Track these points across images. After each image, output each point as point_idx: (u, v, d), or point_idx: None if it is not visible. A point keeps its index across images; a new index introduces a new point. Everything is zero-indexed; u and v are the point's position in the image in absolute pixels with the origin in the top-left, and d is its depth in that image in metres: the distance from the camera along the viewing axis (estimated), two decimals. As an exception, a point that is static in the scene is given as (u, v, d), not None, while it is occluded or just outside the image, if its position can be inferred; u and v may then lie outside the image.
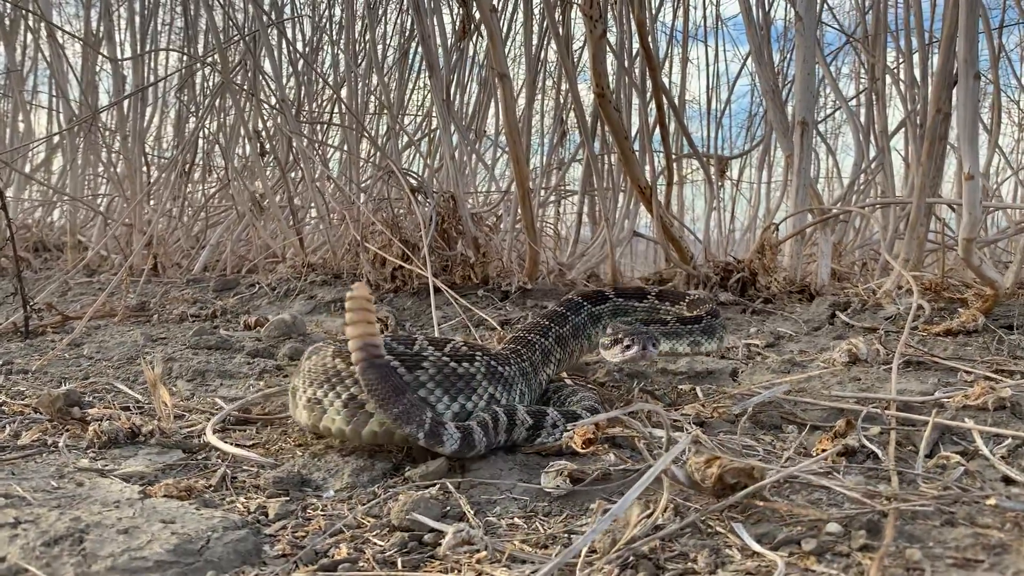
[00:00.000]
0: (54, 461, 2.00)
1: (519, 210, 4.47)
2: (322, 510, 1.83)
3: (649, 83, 4.43)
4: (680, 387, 2.86)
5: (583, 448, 2.06)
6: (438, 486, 1.93)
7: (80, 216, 7.27)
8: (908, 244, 3.97)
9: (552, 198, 7.70)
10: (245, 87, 5.19)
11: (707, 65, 7.56)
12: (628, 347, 2.42)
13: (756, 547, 1.57)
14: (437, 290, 4.12)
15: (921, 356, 3.09)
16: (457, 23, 4.16)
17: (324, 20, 6.57)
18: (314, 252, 5.28)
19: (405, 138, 6.58)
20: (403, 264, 3.97)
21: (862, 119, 6.23)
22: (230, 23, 6.08)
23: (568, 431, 2.13)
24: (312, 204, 5.17)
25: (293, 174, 5.76)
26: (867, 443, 2.15)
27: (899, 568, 1.47)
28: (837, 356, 3.04)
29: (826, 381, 2.87)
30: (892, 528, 1.59)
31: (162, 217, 5.58)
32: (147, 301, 4.66)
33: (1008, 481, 2.02)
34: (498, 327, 3.51)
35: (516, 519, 1.80)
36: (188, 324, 4.20)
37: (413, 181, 4.41)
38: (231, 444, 2.20)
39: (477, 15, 3.92)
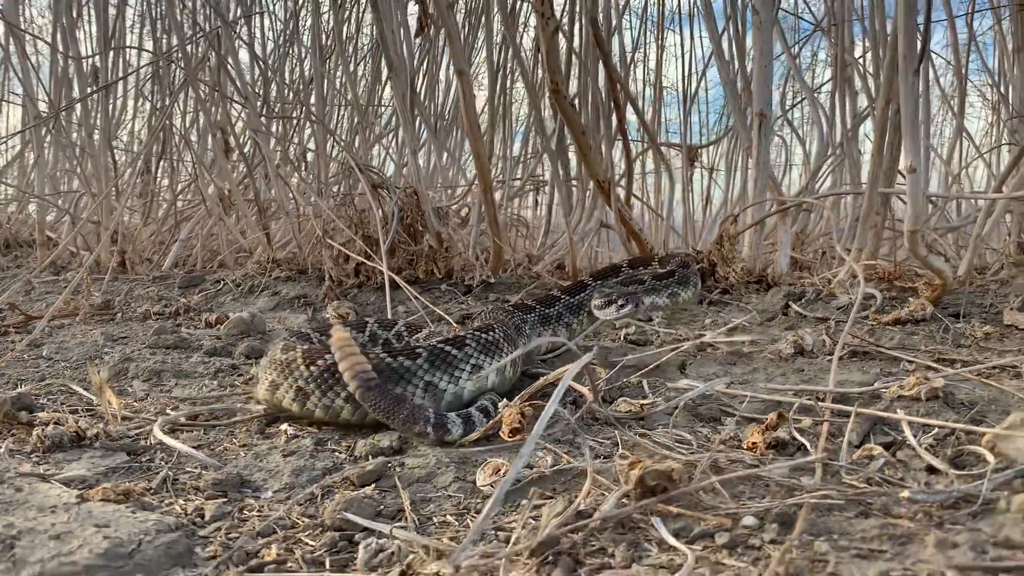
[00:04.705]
0: (-4, 467, 2.03)
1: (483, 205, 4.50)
2: (258, 511, 1.87)
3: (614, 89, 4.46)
4: (628, 379, 2.91)
5: (510, 437, 2.12)
6: (374, 486, 1.97)
7: (51, 215, 7.23)
8: (861, 234, 4.03)
9: (529, 186, 7.73)
10: (211, 83, 5.18)
11: (682, 53, 7.56)
12: (622, 306, 2.93)
13: (672, 541, 1.62)
14: (396, 286, 4.18)
15: (866, 347, 3.15)
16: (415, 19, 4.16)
17: (291, 14, 6.54)
18: (282, 247, 5.29)
19: (377, 131, 6.60)
20: (364, 261, 4.00)
21: (827, 108, 6.27)
22: (198, 17, 6.06)
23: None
24: (275, 201, 5.18)
25: (262, 167, 5.76)
26: (797, 436, 2.21)
27: (805, 560, 1.52)
28: (783, 347, 3.09)
29: (770, 373, 2.92)
30: (803, 520, 1.65)
31: (129, 213, 5.58)
32: (112, 299, 4.67)
33: (932, 470, 2.08)
34: (454, 324, 3.55)
35: (448, 516, 1.84)
36: (151, 322, 4.21)
37: (376, 177, 4.43)
38: (179, 442, 2.24)
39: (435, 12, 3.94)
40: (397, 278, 3.64)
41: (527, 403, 2.20)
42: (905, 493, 1.80)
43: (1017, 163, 3.96)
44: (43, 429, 2.15)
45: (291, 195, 4.93)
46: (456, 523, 1.81)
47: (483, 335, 2.55)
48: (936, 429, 2.28)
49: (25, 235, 8.52)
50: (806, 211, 5.58)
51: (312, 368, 2.34)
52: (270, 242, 4.95)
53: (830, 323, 3.63)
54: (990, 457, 2.08)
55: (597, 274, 3.61)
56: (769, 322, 3.81)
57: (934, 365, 2.95)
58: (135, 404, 2.73)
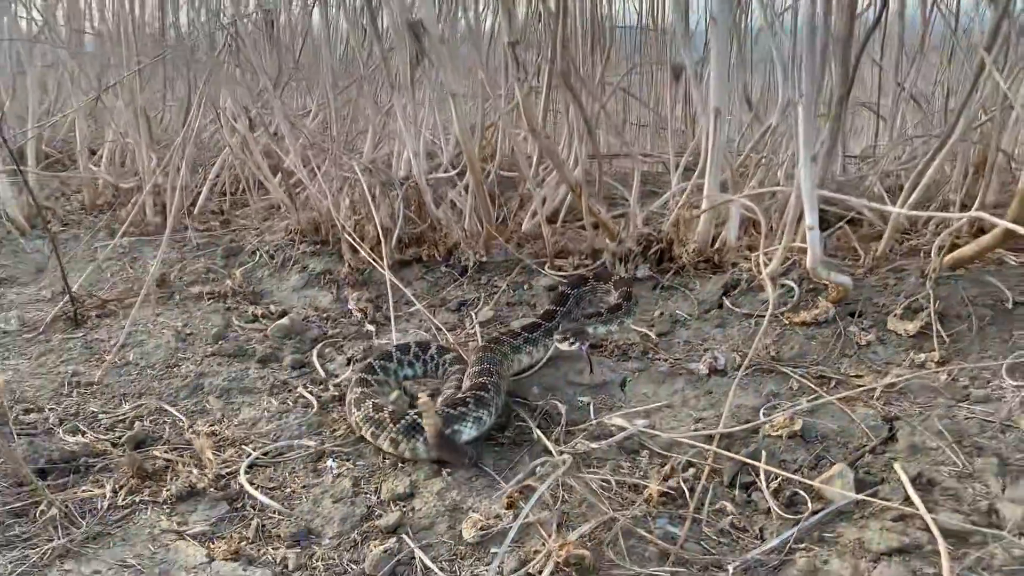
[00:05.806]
0: (146, 522, 3.06)
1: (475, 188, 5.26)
2: (322, 559, 2.91)
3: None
4: (580, 399, 3.88)
5: (505, 510, 3.09)
6: (395, 538, 2.99)
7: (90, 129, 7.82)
8: (787, 234, 4.81)
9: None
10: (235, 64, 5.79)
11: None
12: (572, 343, 3.84)
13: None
14: (405, 266, 5.13)
15: (767, 363, 4.08)
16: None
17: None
18: (306, 209, 6.02)
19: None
20: (370, 256, 4.86)
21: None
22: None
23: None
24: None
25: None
26: (683, 485, 3.19)
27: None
28: (701, 367, 4.03)
29: (686, 396, 3.88)
30: (660, 584, 2.68)
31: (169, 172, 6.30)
32: (166, 273, 5.57)
33: (767, 512, 3.10)
34: (450, 338, 4.47)
35: (444, 563, 2.88)
36: (205, 304, 5.16)
37: (383, 175, 5.20)
38: (258, 488, 3.26)
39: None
40: (398, 282, 4.54)
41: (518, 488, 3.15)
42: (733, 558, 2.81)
43: (924, 175, 4.68)
44: (168, 489, 3.17)
45: (313, 163, 5.66)
46: (448, 569, 2.86)
47: (492, 380, 3.62)
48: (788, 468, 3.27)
49: (60, 141, 9.14)
50: (764, 166, 6.25)
51: (398, 424, 3.42)
52: (297, 209, 5.76)
53: (752, 321, 4.53)
54: (810, 504, 3.09)
55: (572, 283, 4.51)
56: (706, 314, 4.70)
57: (813, 386, 3.89)
58: (217, 427, 3.74)
